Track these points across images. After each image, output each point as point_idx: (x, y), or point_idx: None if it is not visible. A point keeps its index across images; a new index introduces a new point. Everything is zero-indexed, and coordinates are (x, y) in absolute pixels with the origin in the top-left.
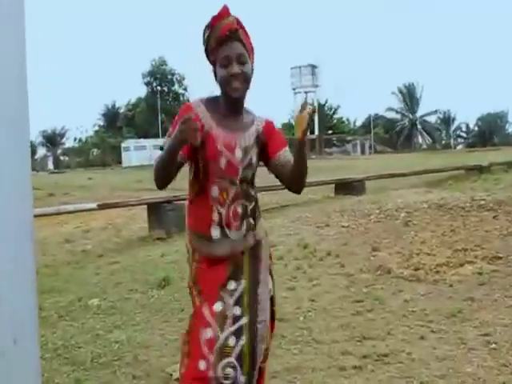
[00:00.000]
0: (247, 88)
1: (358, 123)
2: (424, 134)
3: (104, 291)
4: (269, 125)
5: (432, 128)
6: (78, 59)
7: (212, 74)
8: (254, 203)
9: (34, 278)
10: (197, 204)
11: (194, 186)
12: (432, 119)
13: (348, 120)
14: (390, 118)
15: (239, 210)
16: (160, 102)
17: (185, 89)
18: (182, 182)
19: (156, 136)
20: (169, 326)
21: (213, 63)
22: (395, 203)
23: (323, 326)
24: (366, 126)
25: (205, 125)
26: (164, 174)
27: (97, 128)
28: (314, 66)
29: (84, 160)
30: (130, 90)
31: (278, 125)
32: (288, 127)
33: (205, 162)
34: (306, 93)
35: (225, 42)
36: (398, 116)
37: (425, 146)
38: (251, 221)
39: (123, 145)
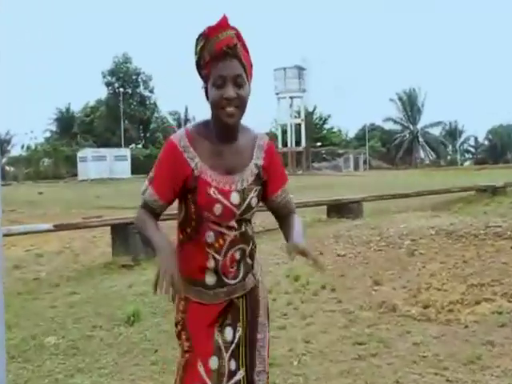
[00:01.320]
0: (242, 113)
1: (351, 134)
2: (426, 147)
3: (62, 328)
4: (270, 154)
5: (436, 141)
6: (27, 54)
7: (202, 90)
8: (251, 244)
9: None
10: (189, 247)
11: (186, 228)
12: (436, 131)
13: (340, 131)
14: (388, 128)
15: (237, 255)
16: (123, 105)
17: (151, 91)
18: None
19: (118, 145)
20: (140, 371)
21: (204, 79)
22: (398, 229)
23: (321, 373)
24: (361, 138)
25: (194, 170)
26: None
27: (48, 134)
28: (301, 68)
29: (33, 171)
30: (88, 92)
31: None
32: (270, 138)
33: (197, 208)
34: (291, 98)
35: (221, 58)
36: (397, 127)
37: (427, 162)
38: (249, 261)
39: (79, 154)
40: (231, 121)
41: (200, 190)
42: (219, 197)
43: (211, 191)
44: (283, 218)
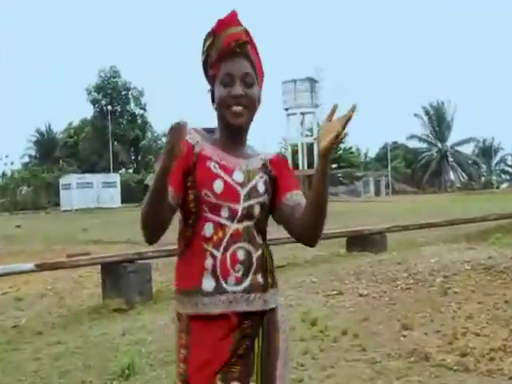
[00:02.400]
0: (251, 117)
1: (371, 154)
2: (457, 168)
3: (47, 383)
4: (279, 158)
5: (467, 161)
6: (0, 68)
7: (208, 94)
8: (261, 251)
9: None
10: (186, 255)
11: (185, 233)
12: (467, 149)
13: (358, 150)
14: (413, 147)
15: (240, 255)
16: (111, 125)
17: (143, 108)
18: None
19: (106, 170)
20: None
21: (211, 79)
22: (428, 264)
23: None
24: (382, 158)
25: (195, 146)
26: (154, 217)
27: (27, 159)
28: (313, 80)
29: (10, 201)
30: (71, 110)
31: None
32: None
33: (196, 190)
34: (302, 114)
35: (229, 55)
36: (423, 145)
37: (458, 185)
38: (259, 278)
39: (62, 181)
40: (238, 121)
41: (199, 165)
42: (220, 172)
43: (211, 165)
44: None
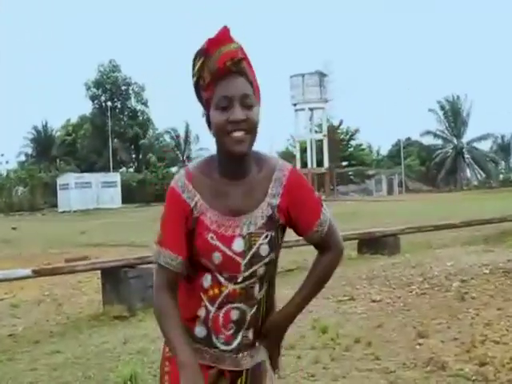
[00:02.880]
0: (253, 141)
1: (384, 151)
2: (474, 165)
3: None
4: (292, 189)
5: (485, 158)
6: None
7: (203, 118)
8: (256, 308)
9: None
10: (184, 289)
11: (187, 269)
12: (485, 146)
13: (370, 147)
14: (427, 144)
15: (233, 315)
16: (111, 122)
17: (145, 104)
18: (150, 236)
19: (105, 169)
20: None
21: (205, 104)
22: (444, 267)
23: None
24: (395, 156)
25: (193, 210)
26: None
27: (23, 158)
28: (322, 74)
29: (5, 202)
30: (69, 106)
31: (273, 154)
32: (286, 158)
33: (195, 254)
34: (311, 110)
35: (224, 75)
36: (438, 141)
37: (475, 183)
38: (250, 334)
39: (60, 181)
40: (240, 149)
41: (198, 235)
42: (218, 243)
43: (209, 236)
44: (319, 251)
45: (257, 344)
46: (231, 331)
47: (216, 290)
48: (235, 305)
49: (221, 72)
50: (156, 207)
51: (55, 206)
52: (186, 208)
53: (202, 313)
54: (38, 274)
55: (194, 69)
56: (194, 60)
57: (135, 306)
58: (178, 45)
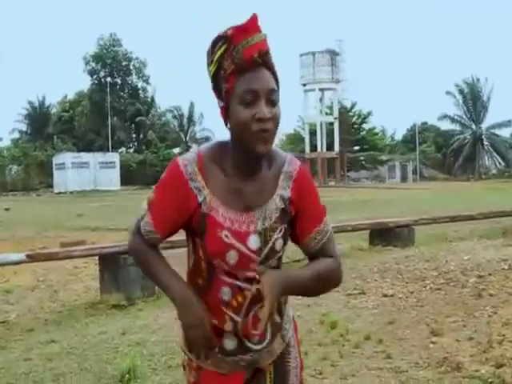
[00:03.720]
0: (275, 137)
1: (398, 136)
2: (493, 153)
3: None
4: (301, 183)
5: (505, 145)
6: None
7: (219, 110)
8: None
9: None
10: (200, 298)
11: (197, 279)
12: (505, 133)
13: (383, 131)
14: (445, 129)
15: (262, 315)
16: (110, 98)
17: (146, 81)
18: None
19: (104, 148)
20: None
21: (224, 96)
22: (460, 262)
23: None
24: (409, 141)
25: (202, 205)
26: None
27: (17, 135)
28: (334, 53)
29: None
30: (67, 81)
31: (281, 136)
32: (294, 140)
33: (206, 255)
34: (321, 90)
35: (251, 68)
36: (456, 127)
37: (494, 172)
38: (277, 319)
39: (56, 160)
40: (264, 149)
41: (209, 233)
42: (233, 241)
43: (223, 234)
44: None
45: (284, 324)
46: (262, 328)
47: (240, 299)
48: (261, 303)
49: (247, 64)
50: None
51: (51, 186)
52: (193, 200)
53: (229, 326)
54: (32, 259)
55: (212, 56)
56: (213, 47)
57: (134, 294)
58: (182, 20)
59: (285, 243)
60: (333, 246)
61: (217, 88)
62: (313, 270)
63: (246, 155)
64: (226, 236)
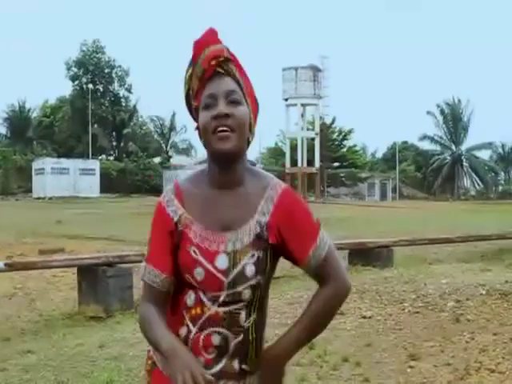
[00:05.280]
0: (242, 142)
1: (378, 154)
2: (472, 174)
3: None
4: (284, 208)
5: (484, 167)
6: None
7: (196, 133)
8: (242, 337)
9: None
10: (169, 305)
11: (175, 284)
12: (484, 155)
13: (364, 149)
14: (425, 149)
15: (214, 340)
16: (92, 105)
17: (128, 89)
18: (129, 230)
19: (84, 155)
20: None
21: (195, 113)
22: (439, 285)
23: None
24: (389, 160)
25: (178, 224)
26: None
27: None
28: (316, 69)
29: None
30: (48, 86)
31: (261, 150)
32: (275, 154)
33: (179, 270)
34: (303, 106)
35: (211, 78)
36: (436, 147)
37: (473, 193)
38: (235, 364)
39: (35, 165)
40: (224, 146)
41: (181, 249)
42: (200, 258)
43: (191, 250)
44: (319, 284)
45: (247, 380)
46: (212, 355)
47: (198, 310)
48: (217, 329)
49: (207, 73)
50: (136, 199)
51: (29, 191)
52: (170, 222)
53: (183, 331)
54: (11, 267)
55: (184, 79)
56: (186, 71)
57: (112, 306)
58: (167, 30)
59: (258, 272)
60: (337, 266)
61: (190, 109)
62: (308, 319)
63: (214, 158)
64: (194, 252)
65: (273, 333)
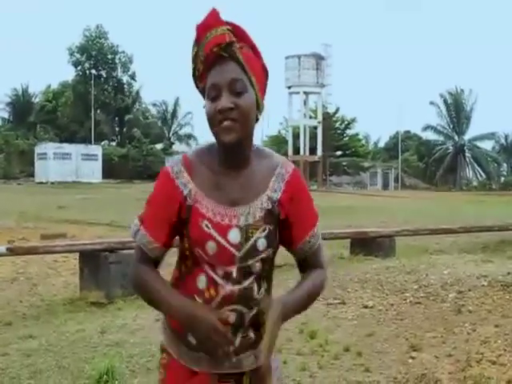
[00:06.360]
0: (247, 130)
1: (381, 143)
2: (475, 165)
3: None
4: (294, 186)
5: (486, 158)
6: None
7: (203, 110)
8: (256, 310)
9: None
10: (179, 291)
11: (181, 267)
12: (487, 145)
13: (366, 138)
14: (427, 139)
15: (230, 319)
16: (95, 91)
17: (132, 76)
18: (131, 216)
19: (86, 140)
20: None
21: (202, 93)
22: (440, 276)
23: None
24: (392, 149)
25: (187, 198)
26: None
27: None
28: (319, 57)
29: None
30: (51, 71)
31: (264, 138)
32: (278, 141)
33: (190, 243)
34: (306, 94)
35: (214, 63)
36: (439, 137)
37: (475, 184)
38: (251, 334)
39: (37, 150)
40: (229, 138)
41: (192, 222)
42: (213, 232)
43: (203, 224)
44: (304, 271)
45: (260, 342)
46: (229, 333)
47: (212, 291)
48: (233, 307)
49: (209, 59)
50: (138, 185)
51: (32, 175)
52: (179, 195)
53: None
54: (12, 252)
55: (192, 58)
56: (192, 49)
57: (114, 292)
58: (171, 16)
59: (269, 245)
60: (322, 252)
61: (197, 88)
62: (304, 291)
63: (221, 148)
64: (207, 226)
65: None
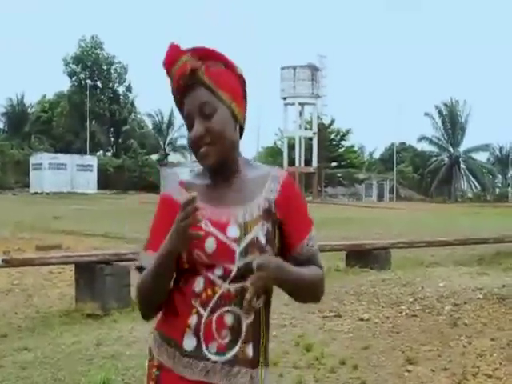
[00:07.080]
0: (223, 148)
1: (377, 155)
2: (470, 176)
3: None
4: (288, 188)
5: (481, 169)
6: None
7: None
8: (253, 318)
9: None
10: (175, 299)
11: (178, 275)
12: (482, 157)
13: (362, 149)
14: (422, 150)
15: (227, 320)
16: (90, 102)
17: (128, 88)
18: (126, 227)
19: (82, 151)
20: None
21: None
22: (436, 288)
23: None
24: (387, 160)
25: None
26: (155, 298)
27: None
28: (315, 68)
29: None
30: (47, 81)
31: (259, 149)
32: (273, 153)
33: (188, 250)
34: (301, 105)
35: (184, 93)
36: (434, 148)
37: (470, 195)
38: (249, 350)
39: (32, 160)
40: (208, 162)
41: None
42: (212, 229)
43: (203, 224)
44: None
45: (260, 370)
46: (226, 340)
47: (209, 292)
48: (229, 308)
49: (180, 91)
50: (134, 196)
51: (27, 186)
52: (177, 206)
53: (193, 320)
54: (8, 263)
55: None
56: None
57: (110, 304)
58: (167, 27)
59: (267, 242)
60: (319, 257)
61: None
62: (306, 271)
63: (208, 170)
64: (206, 224)
65: (270, 334)
